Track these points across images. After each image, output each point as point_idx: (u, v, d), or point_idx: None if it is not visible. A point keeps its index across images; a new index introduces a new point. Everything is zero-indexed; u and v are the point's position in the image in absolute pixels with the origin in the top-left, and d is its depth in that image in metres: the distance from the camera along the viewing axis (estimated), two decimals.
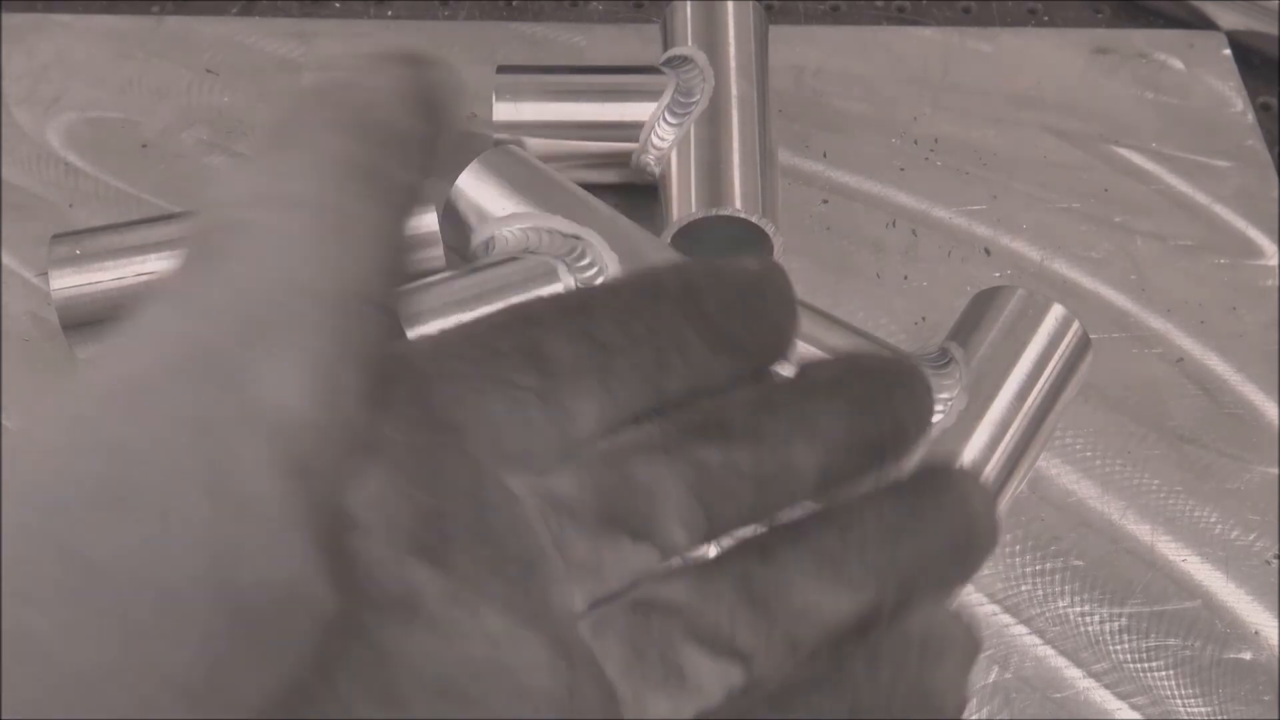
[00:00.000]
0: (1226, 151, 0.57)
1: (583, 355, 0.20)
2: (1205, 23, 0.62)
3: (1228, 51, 0.60)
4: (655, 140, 0.50)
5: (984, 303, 0.45)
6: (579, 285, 0.45)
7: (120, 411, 0.14)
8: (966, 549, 0.21)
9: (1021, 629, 0.43)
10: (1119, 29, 0.62)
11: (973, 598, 0.44)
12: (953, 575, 0.21)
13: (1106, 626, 0.43)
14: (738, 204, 0.47)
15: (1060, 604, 0.44)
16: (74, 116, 0.57)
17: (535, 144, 0.51)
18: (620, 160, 0.51)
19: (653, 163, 0.51)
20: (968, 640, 0.21)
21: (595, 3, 0.64)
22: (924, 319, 0.51)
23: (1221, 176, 0.56)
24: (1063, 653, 0.43)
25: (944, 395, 0.42)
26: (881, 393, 0.22)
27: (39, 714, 0.12)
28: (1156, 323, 0.51)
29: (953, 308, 0.46)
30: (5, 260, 0.52)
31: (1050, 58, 0.60)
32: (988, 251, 0.53)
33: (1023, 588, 0.44)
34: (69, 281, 0.45)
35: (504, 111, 0.50)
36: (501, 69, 0.51)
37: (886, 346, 0.43)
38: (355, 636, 0.16)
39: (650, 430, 0.21)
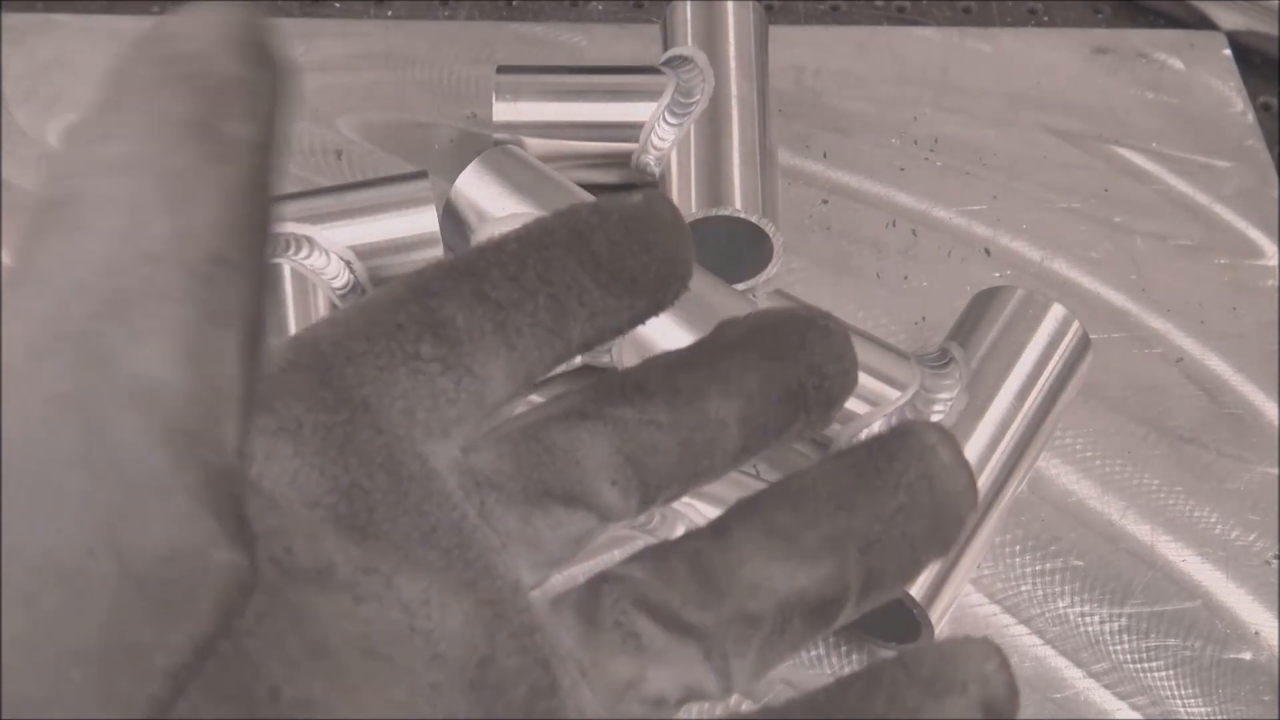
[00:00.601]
0: (1226, 151, 0.57)
1: (480, 317, 0.20)
2: (1205, 23, 0.62)
3: (1228, 51, 0.60)
4: (655, 140, 0.50)
5: (984, 303, 0.45)
6: None
7: None
8: (935, 514, 0.21)
9: (1021, 629, 0.43)
10: (1119, 29, 0.62)
11: (973, 598, 0.44)
12: (924, 544, 0.21)
13: (1106, 626, 0.43)
14: (738, 204, 0.47)
15: (1060, 604, 0.44)
16: (74, 116, 0.57)
17: (535, 144, 0.51)
18: (620, 160, 0.51)
19: (653, 163, 0.51)
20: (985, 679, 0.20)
21: (595, 3, 0.64)
22: (924, 319, 0.51)
23: (1221, 176, 0.56)
24: (1063, 653, 0.43)
25: (944, 395, 0.42)
26: (794, 341, 0.22)
27: None
28: (1156, 323, 0.51)
29: (953, 308, 0.46)
30: (5, 260, 0.52)
31: (1050, 58, 0.60)
32: (988, 251, 0.53)
33: (1023, 588, 0.44)
34: None
35: (504, 111, 0.50)
36: (501, 69, 0.51)
37: (887, 346, 0.43)
38: (271, 602, 0.16)
39: (568, 398, 0.21)
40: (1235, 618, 0.44)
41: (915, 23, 0.63)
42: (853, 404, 0.42)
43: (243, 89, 0.17)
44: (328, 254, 0.46)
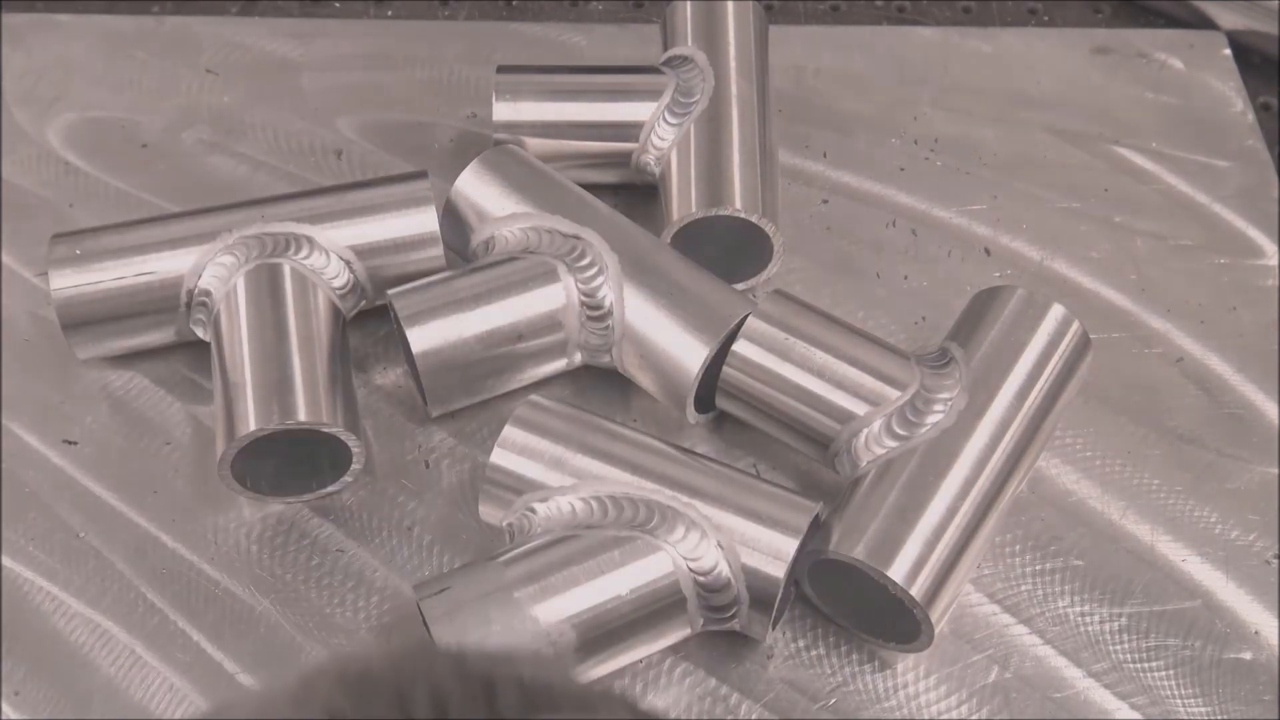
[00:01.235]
0: (1226, 151, 0.57)
1: None
2: (1205, 23, 0.62)
3: (1228, 51, 0.60)
4: (655, 140, 0.50)
5: (984, 303, 0.45)
6: (579, 285, 0.45)
7: None
8: None
9: (1021, 629, 0.43)
10: (1119, 29, 0.62)
11: (973, 598, 0.44)
12: None
13: (1106, 626, 0.43)
14: (738, 204, 0.47)
15: (1060, 604, 0.44)
16: (74, 116, 0.57)
17: (535, 144, 0.51)
18: (620, 160, 0.51)
19: (653, 163, 0.51)
20: None
21: (595, 3, 0.64)
22: (924, 319, 0.51)
23: (1221, 176, 0.56)
24: (1063, 653, 0.43)
25: (944, 395, 0.42)
26: None
27: None
28: (1156, 323, 0.51)
29: (953, 308, 0.46)
30: (5, 260, 0.52)
31: (1050, 58, 0.60)
32: (988, 251, 0.53)
33: (1023, 588, 0.44)
34: (69, 281, 0.45)
35: (504, 111, 0.50)
36: (501, 69, 0.51)
37: (887, 346, 0.43)
38: None
39: None
40: (1235, 618, 0.44)
41: (915, 23, 0.63)
42: (853, 404, 0.42)
43: None
44: (328, 254, 0.46)
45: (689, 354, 0.44)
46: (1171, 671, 0.43)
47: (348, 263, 0.46)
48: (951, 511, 0.40)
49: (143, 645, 0.42)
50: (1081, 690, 0.42)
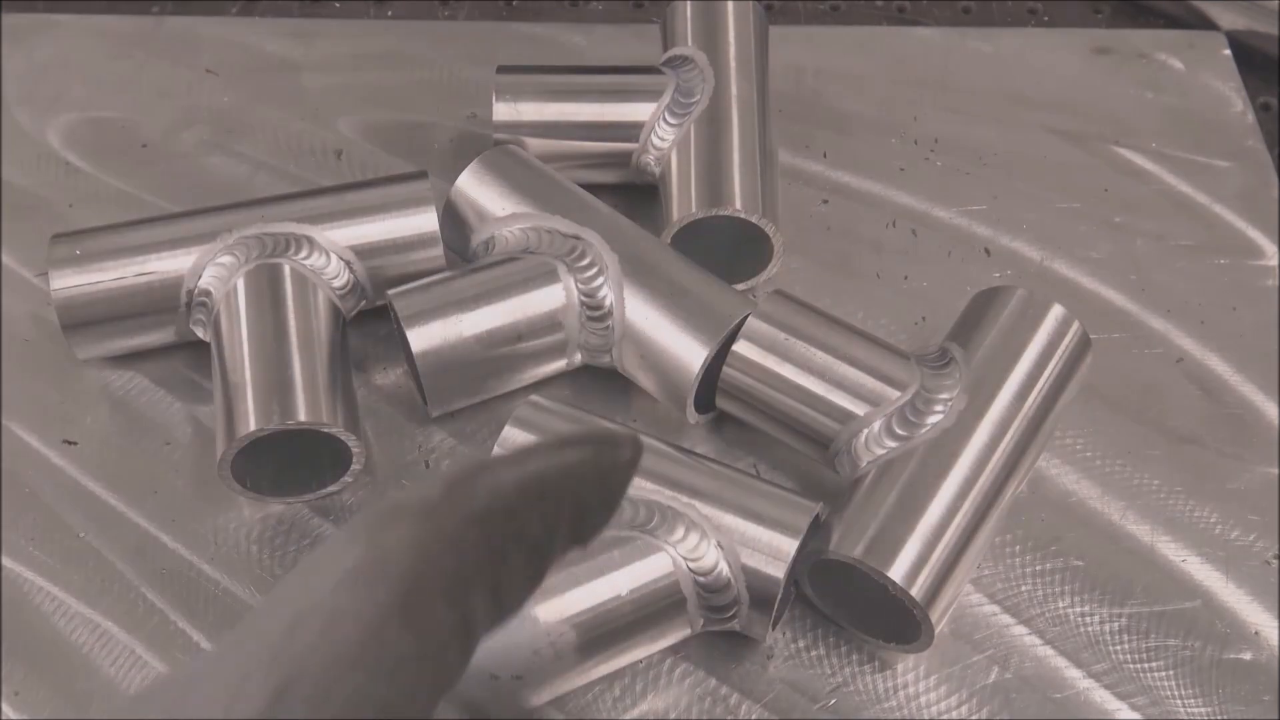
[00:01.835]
0: (1226, 151, 0.57)
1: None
2: (1205, 23, 0.62)
3: (1228, 51, 0.60)
4: (655, 140, 0.50)
5: (984, 303, 0.45)
6: (579, 285, 0.45)
7: None
8: None
9: (1021, 629, 0.43)
10: (1119, 29, 0.62)
11: (973, 598, 0.44)
12: None
13: (1106, 626, 0.43)
14: (738, 204, 0.47)
15: (1060, 604, 0.44)
16: (74, 116, 0.57)
17: (535, 144, 0.51)
18: (620, 160, 0.51)
19: (653, 163, 0.51)
20: None
21: (595, 3, 0.64)
22: (924, 319, 0.51)
23: (1221, 176, 0.56)
24: (1063, 653, 0.43)
25: (944, 395, 0.42)
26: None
27: None
28: (1156, 323, 0.51)
29: (953, 308, 0.46)
30: (5, 260, 0.52)
31: (1050, 58, 0.60)
32: (988, 251, 0.53)
33: (1023, 588, 0.44)
34: (69, 281, 0.45)
35: (504, 111, 0.50)
36: (501, 69, 0.51)
37: (887, 346, 0.43)
38: None
39: None
40: (1235, 618, 0.44)
41: (915, 23, 0.63)
42: (853, 404, 0.42)
43: None
44: (328, 254, 0.46)
45: (689, 354, 0.44)
46: (1171, 672, 0.43)
47: (348, 263, 0.46)
48: (951, 512, 0.40)
49: (143, 645, 0.42)
50: (1082, 690, 0.42)
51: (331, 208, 0.47)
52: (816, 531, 0.41)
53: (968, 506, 0.40)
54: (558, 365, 0.47)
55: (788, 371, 0.43)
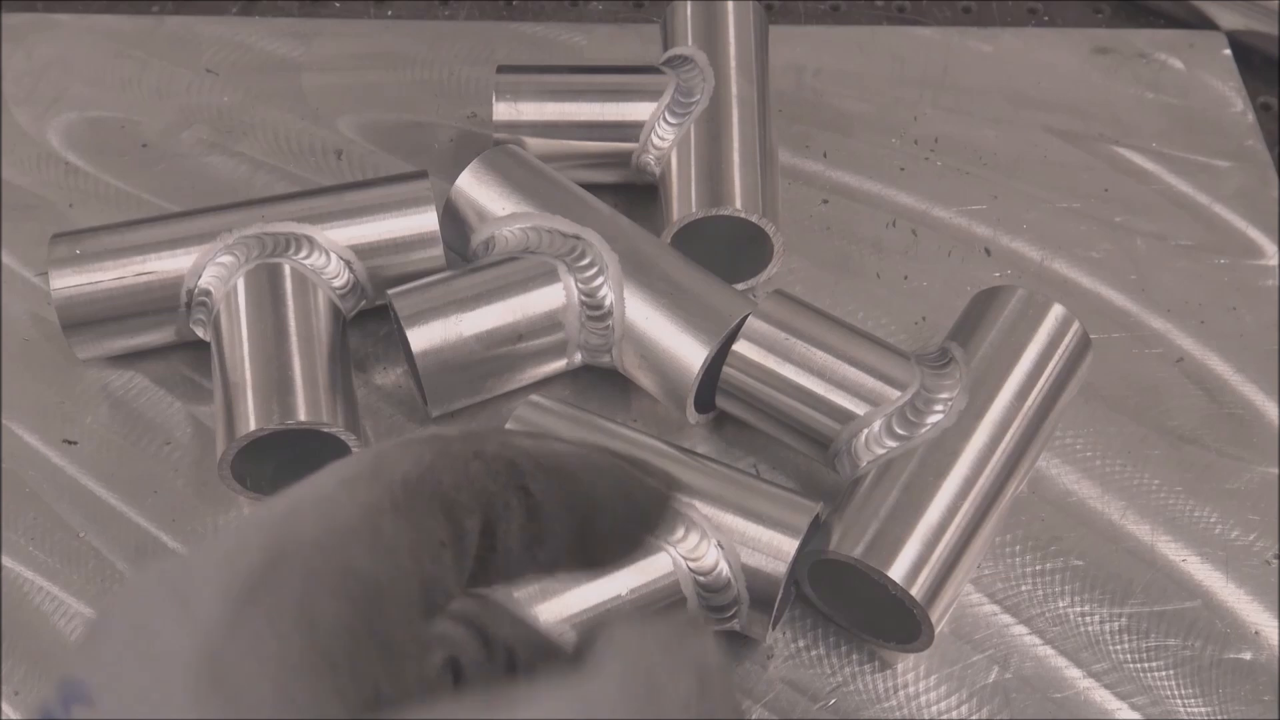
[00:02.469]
0: (1226, 151, 0.57)
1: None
2: (1205, 23, 0.62)
3: (1228, 51, 0.60)
4: (655, 140, 0.50)
5: (984, 303, 0.45)
6: (579, 285, 0.45)
7: None
8: None
9: (1021, 629, 0.43)
10: (1119, 29, 0.62)
11: (973, 598, 0.44)
12: None
13: (1106, 626, 0.43)
14: (738, 204, 0.47)
15: (1060, 604, 0.44)
16: (74, 116, 0.57)
17: (535, 144, 0.51)
18: (620, 160, 0.51)
19: (653, 163, 0.51)
20: None
21: (595, 3, 0.64)
22: (924, 319, 0.51)
23: (1221, 176, 0.56)
24: (1063, 652, 0.43)
25: (944, 395, 0.42)
26: None
27: None
28: (1156, 323, 0.51)
29: (953, 307, 0.46)
30: (5, 260, 0.52)
31: (1050, 58, 0.60)
32: (988, 251, 0.53)
33: (1023, 588, 0.44)
34: (69, 281, 0.45)
35: (504, 111, 0.50)
36: (501, 69, 0.51)
37: (887, 346, 0.43)
38: None
39: None
40: (1235, 618, 0.44)
41: (915, 23, 0.63)
42: (853, 404, 0.42)
43: None
44: (328, 254, 0.46)
45: (689, 354, 0.44)
46: (1171, 671, 0.43)
47: (348, 263, 0.46)
48: (951, 511, 0.40)
49: None
50: (1082, 690, 0.42)
51: (331, 207, 0.47)
52: (816, 531, 0.41)
53: (968, 506, 0.40)
54: (558, 365, 0.47)
55: (788, 371, 0.43)
